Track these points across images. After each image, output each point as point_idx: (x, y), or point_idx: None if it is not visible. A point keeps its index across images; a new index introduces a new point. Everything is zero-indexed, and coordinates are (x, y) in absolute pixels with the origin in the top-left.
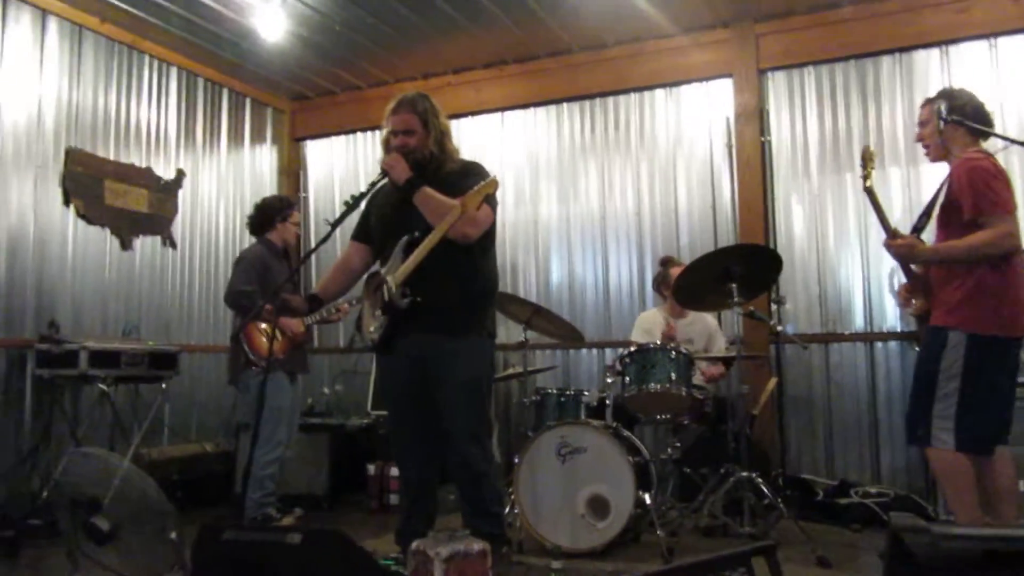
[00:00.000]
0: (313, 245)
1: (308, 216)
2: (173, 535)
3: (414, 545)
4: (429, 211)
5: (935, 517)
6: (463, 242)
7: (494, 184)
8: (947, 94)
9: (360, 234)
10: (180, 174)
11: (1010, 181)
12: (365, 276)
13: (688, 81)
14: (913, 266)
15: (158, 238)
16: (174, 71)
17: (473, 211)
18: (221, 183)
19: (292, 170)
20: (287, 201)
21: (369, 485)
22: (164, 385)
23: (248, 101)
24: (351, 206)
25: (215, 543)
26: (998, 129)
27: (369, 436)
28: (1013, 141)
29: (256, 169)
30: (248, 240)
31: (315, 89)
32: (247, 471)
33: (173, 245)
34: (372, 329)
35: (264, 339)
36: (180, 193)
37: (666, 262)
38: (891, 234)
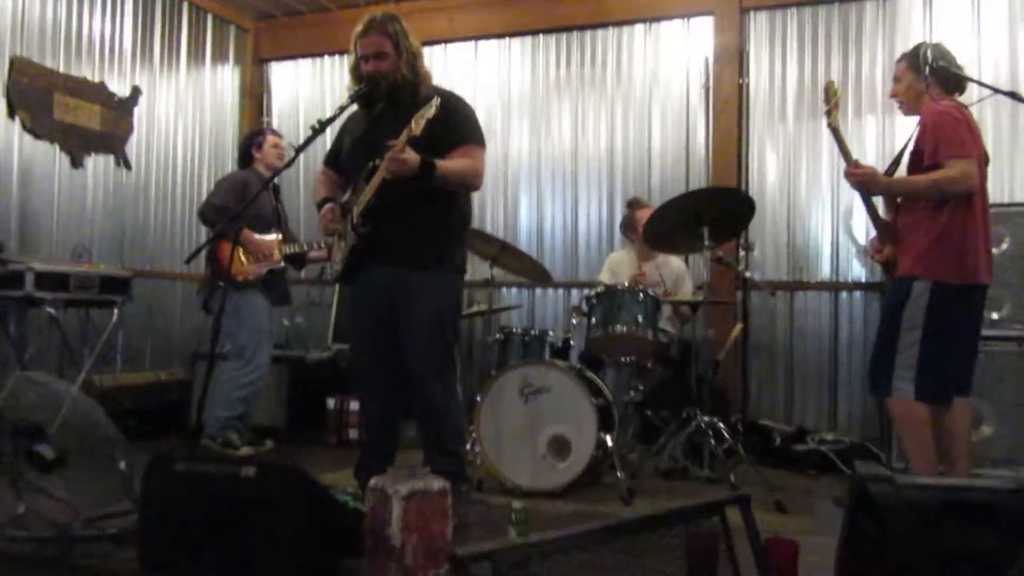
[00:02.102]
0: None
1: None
2: (122, 465)
3: (373, 482)
4: (453, 184)
5: (888, 465)
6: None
7: (433, 107)
8: (925, 47)
9: (332, 159)
10: (136, 91)
11: (977, 129)
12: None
13: (668, 17)
14: (881, 213)
15: (111, 157)
16: None
17: (468, 162)
18: (179, 103)
19: (255, 93)
20: (256, 130)
21: (328, 419)
22: (116, 311)
23: (209, 17)
24: (317, 131)
25: (167, 474)
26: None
27: (329, 369)
28: (989, 87)
29: (217, 90)
30: (208, 162)
31: (281, 8)
32: (202, 399)
33: (128, 165)
34: (338, 258)
35: (236, 258)
36: (135, 111)
37: (632, 204)
38: (853, 164)
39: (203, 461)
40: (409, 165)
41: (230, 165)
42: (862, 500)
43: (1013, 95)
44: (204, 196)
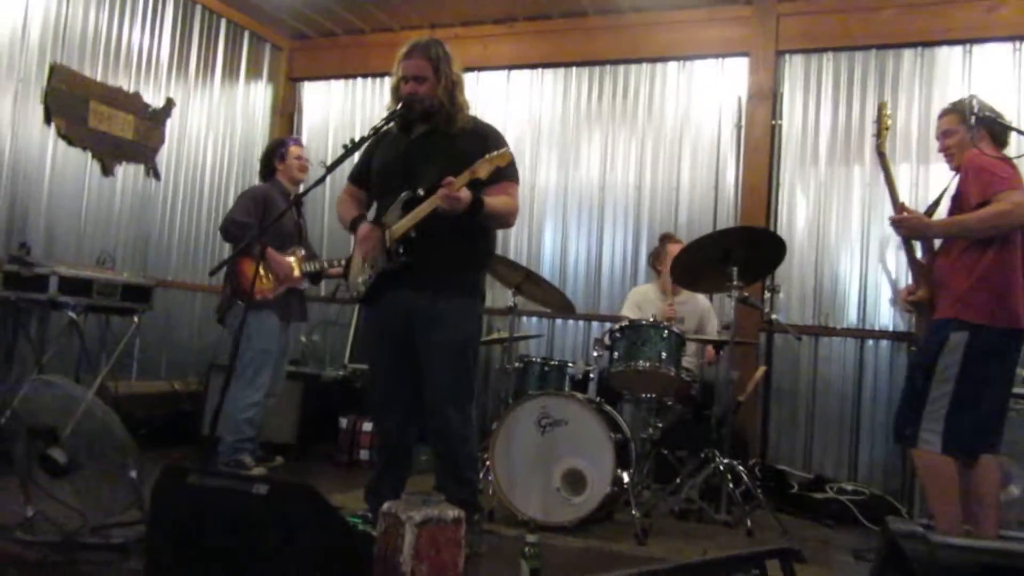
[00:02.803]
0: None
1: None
2: (133, 473)
3: (386, 507)
4: (494, 224)
5: (911, 519)
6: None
7: (508, 156)
8: (971, 98)
9: (358, 178)
10: (169, 103)
11: (1019, 171)
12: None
13: (703, 56)
14: (919, 255)
15: (141, 167)
16: None
17: (508, 200)
18: (212, 117)
19: (286, 111)
20: (279, 140)
21: (340, 438)
22: (136, 319)
23: (246, 34)
24: (350, 150)
25: (178, 486)
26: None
27: (344, 388)
28: None
29: (249, 106)
30: (236, 178)
31: (316, 29)
32: (217, 412)
33: (157, 176)
34: (360, 280)
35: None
36: (168, 123)
37: (665, 238)
38: (899, 208)
39: (216, 475)
40: (463, 203)
41: (258, 181)
42: (893, 557)
43: None
44: None
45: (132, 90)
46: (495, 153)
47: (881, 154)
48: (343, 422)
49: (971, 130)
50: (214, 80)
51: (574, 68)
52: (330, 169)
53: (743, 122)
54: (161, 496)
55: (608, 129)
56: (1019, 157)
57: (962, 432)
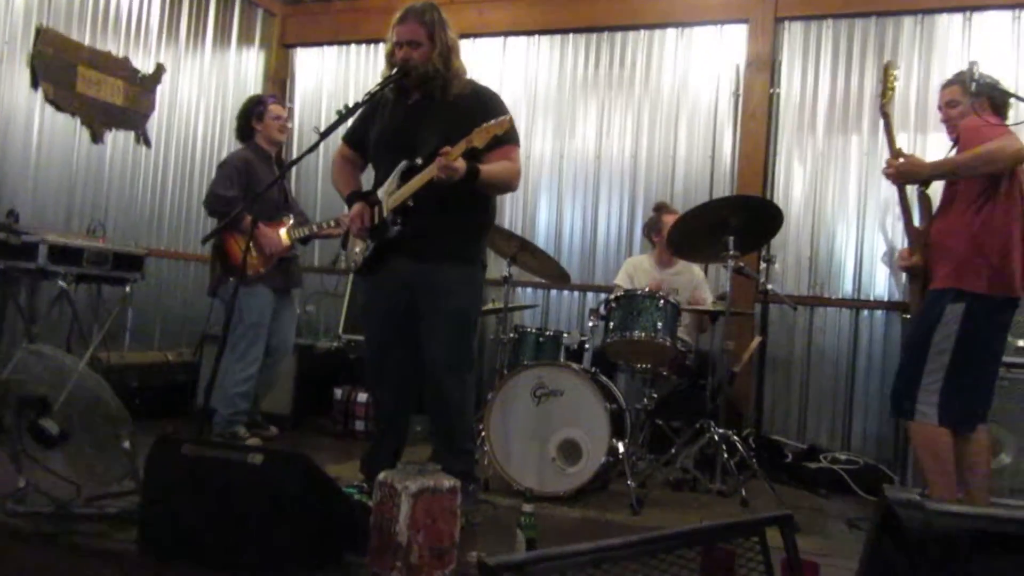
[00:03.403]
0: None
1: (293, 127)
2: (126, 444)
3: (382, 476)
4: (495, 190)
5: (905, 488)
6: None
7: (506, 124)
8: (971, 68)
9: (353, 139)
10: (160, 69)
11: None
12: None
13: (702, 23)
14: (916, 222)
15: (132, 134)
16: None
17: (509, 165)
18: (203, 84)
19: (279, 78)
20: (258, 98)
21: (334, 409)
22: (128, 288)
23: (238, 0)
24: (343, 116)
25: (172, 457)
26: (1016, 102)
27: (339, 360)
28: None
29: (241, 73)
30: (227, 145)
31: None
32: (210, 385)
33: (147, 143)
34: (358, 250)
35: (243, 250)
36: (158, 89)
37: (660, 208)
38: (895, 153)
39: (210, 446)
40: (459, 173)
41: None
42: (889, 525)
43: None
44: None
45: (121, 55)
46: (492, 122)
47: (885, 115)
48: (338, 393)
49: (973, 99)
50: (205, 46)
51: (571, 35)
52: (323, 136)
53: (741, 90)
54: (155, 467)
55: (604, 97)
56: (1017, 124)
57: (958, 404)
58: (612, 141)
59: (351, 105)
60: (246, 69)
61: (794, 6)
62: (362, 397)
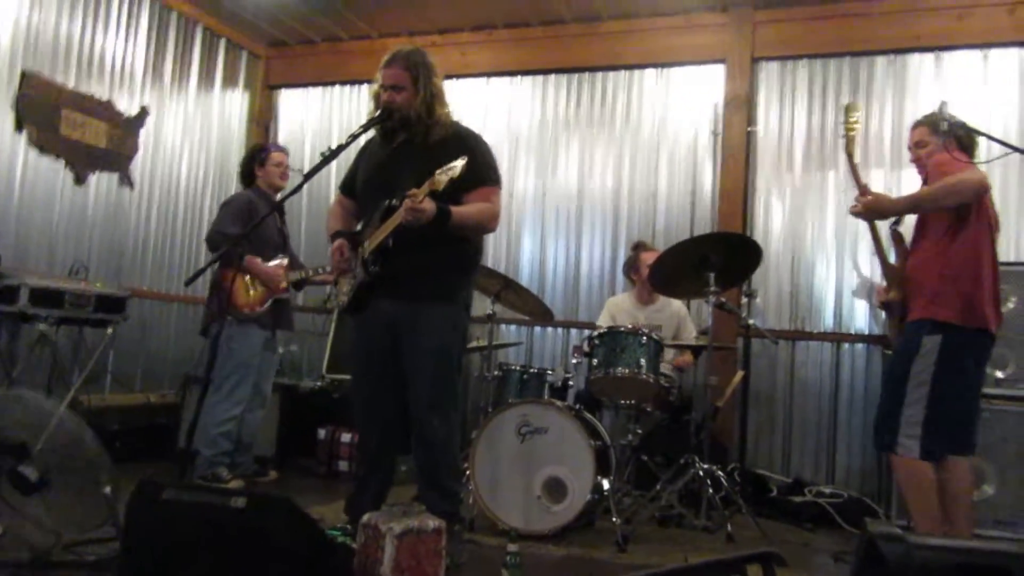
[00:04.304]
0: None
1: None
2: (107, 489)
3: (365, 518)
4: (469, 231)
5: (889, 521)
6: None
7: (458, 169)
8: (941, 109)
9: (347, 187)
10: (144, 111)
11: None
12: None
13: (680, 63)
14: (891, 259)
15: (115, 176)
16: (147, 1)
17: (485, 206)
18: (187, 125)
19: (263, 118)
20: (260, 146)
21: (318, 449)
22: (110, 330)
23: (223, 42)
24: (327, 158)
25: (153, 502)
26: (986, 141)
27: (322, 399)
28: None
29: (225, 114)
30: (212, 186)
31: (294, 36)
32: (193, 426)
33: (131, 185)
34: (344, 290)
35: (244, 289)
36: (142, 131)
37: (638, 246)
38: (863, 190)
39: (192, 489)
40: (427, 215)
41: (234, 189)
42: (871, 559)
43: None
44: (207, 219)
45: (105, 97)
46: (448, 167)
47: (848, 154)
48: (321, 433)
49: (942, 138)
50: (190, 88)
51: (552, 75)
52: (307, 177)
53: (720, 129)
54: (135, 512)
55: (586, 136)
56: (988, 162)
57: (939, 435)
58: (594, 179)
59: (335, 148)
60: (230, 110)
61: (770, 47)
62: (346, 437)
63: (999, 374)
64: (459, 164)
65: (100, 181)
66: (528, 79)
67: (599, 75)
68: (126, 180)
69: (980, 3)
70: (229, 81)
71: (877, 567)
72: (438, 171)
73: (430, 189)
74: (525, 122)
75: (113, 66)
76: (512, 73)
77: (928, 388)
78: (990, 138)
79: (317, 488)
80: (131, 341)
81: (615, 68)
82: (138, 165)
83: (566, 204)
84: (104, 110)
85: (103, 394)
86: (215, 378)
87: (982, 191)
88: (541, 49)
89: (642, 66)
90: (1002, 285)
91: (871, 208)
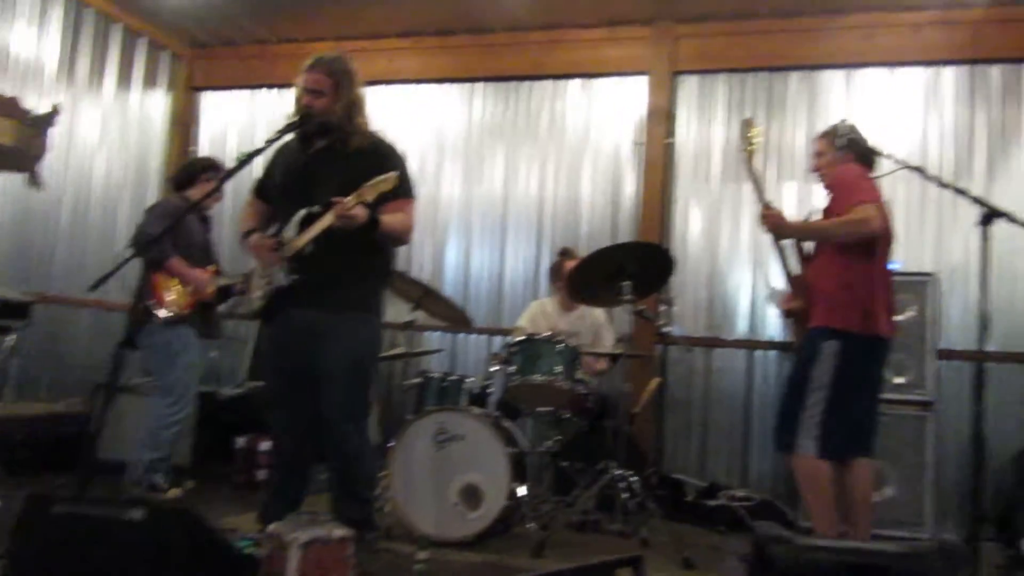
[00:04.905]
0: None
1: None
2: None
3: (270, 528)
4: (391, 241)
5: (795, 523)
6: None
7: (392, 181)
8: (839, 124)
9: (262, 192)
10: (55, 110)
11: (878, 189)
12: None
13: (605, 75)
14: (793, 267)
15: (22, 176)
16: None
17: (404, 218)
18: (104, 126)
19: (184, 121)
20: (213, 164)
21: (236, 458)
22: (12, 337)
23: (143, 41)
24: (243, 162)
25: (42, 516)
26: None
27: (241, 407)
28: (897, 160)
29: (145, 116)
30: (129, 188)
31: (219, 37)
32: (97, 431)
33: (39, 185)
34: (257, 295)
35: (169, 291)
36: (54, 130)
37: (563, 253)
38: (765, 205)
39: (85, 503)
40: (359, 221)
41: (152, 192)
42: (760, 560)
43: (919, 169)
44: (122, 222)
45: (11, 94)
46: (380, 178)
47: (749, 168)
48: (240, 441)
49: (839, 152)
50: (106, 88)
51: (479, 83)
52: (223, 180)
53: (641, 139)
54: (23, 528)
55: (512, 144)
56: (886, 175)
57: (837, 437)
58: (519, 186)
59: (250, 151)
60: (150, 111)
61: (690, 61)
62: (264, 445)
63: (898, 380)
64: (391, 177)
65: (5, 182)
66: (455, 86)
67: (525, 84)
68: (34, 180)
69: (888, 23)
70: (149, 81)
71: (768, 569)
72: (369, 183)
73: (358, 200)
74: (452, 129)
75: (21, 62)
76: (439, 80)
77: (826, 392)
78: (883, 155)
79: (235, 498)
80: (39, 347)
81: (541, 77)
82: (49, 166)
83: (491, 211)
84: (9, 107)
85: (4, 403)
86: (163, 386)
87: (879, 232)
88: (468, 57)
89: (567, 76)
90: (901, 295)
91: (773, 226)
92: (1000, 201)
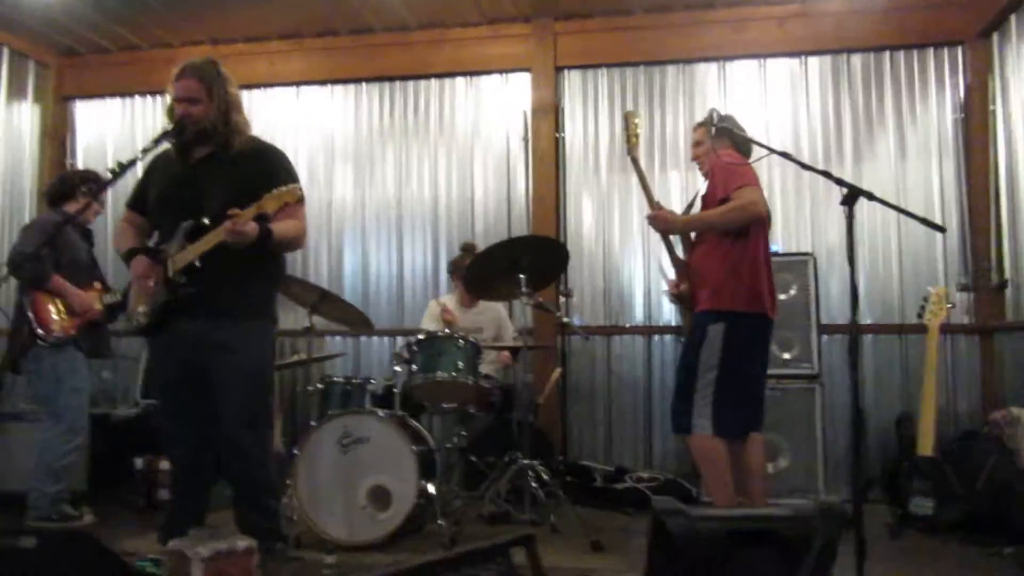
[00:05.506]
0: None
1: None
2: None
3: (171, 544)
4: (284, 248)
5: (698, 498)
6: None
7: (297, 193)
8: (714, 111)
9: (137, 205)
10: None
11: (755, 173)
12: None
13: (488, 72)
14: (679, 253)
15: None
16: None
17: (296, 224)
18: None
19: (57, 133)
20: (97, 178)
21: (135, 480)
22: None
23: (5, 50)
24: (117, 174)
25: None
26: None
27: (137, 427)
28: (765, 147)
29: (13, 128)
30: (2, 206)
31: (88, 45)
32: None
33: None
34: (142, 310)
35: (52, 312)
36: None
37: (465, 248)
38: (654, 206)
39: None
40: (251, 236)
41: (29, 209)
42: (659, 534)
43: (786, 155)
44: None
45: None
46: (284, 189)
47: (633, 159)
48: (138, 462)
49: (714, 140)
50: None
51: (364, 84)
52: (97, 193)
53: (529, 135)
54: None
55: (401, 144)
56: (758, 160)
57: (729, 414)
58: (412, 186)
59: (124, 163)
60: (18, 124)
61: (572, 56)
62: (165, 465)
63: (786, 355)
64: (293, 189)
65: None
66: (340, 88)
67: (411, 84)
68: None
69: (754, 16)
70: (15, 92)
71: (666, 541)
72: (270, 195)
73: (256, 212)
74: (340, 131)
75: None
76: (323, 82)
77: (716, 372)
78: (754, 142)
79: (135, 520)
80: None
81: (426, 77)
82: None
83: (386, 212)
84: None
85: None
86: (52, 412)
87: (766, 214)
88: (352, 58)
89: (452, 75)
90: (784, 274)
91: (661, 224)
92: (867, 182)
